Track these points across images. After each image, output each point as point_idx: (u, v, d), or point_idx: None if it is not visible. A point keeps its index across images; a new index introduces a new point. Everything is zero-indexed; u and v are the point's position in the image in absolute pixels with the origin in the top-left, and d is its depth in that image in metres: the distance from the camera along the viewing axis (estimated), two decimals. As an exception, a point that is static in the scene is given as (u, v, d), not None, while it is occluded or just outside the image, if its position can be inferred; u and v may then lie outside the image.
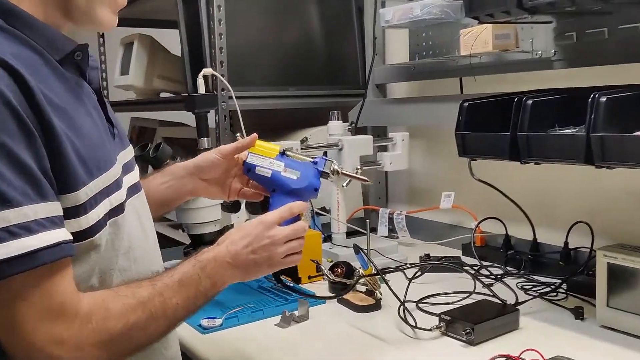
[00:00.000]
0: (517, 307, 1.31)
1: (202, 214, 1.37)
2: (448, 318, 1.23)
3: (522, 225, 1.69)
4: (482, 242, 1.81)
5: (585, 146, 1.13)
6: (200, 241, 1.40)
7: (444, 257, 1.75)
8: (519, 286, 1.51)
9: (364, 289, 1.45)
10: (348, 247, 1.75)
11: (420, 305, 1.40)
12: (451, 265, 1.64)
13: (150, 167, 1.47)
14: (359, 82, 2.25)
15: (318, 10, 2.19)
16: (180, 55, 1.94)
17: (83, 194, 0.81)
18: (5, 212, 0.72)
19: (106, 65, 2.78)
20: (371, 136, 1.92)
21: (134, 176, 1.02)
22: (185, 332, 1.27)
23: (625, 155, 1.09)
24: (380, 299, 1.42)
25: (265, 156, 1.12)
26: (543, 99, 1.27)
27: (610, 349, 1.17)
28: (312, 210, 1.88)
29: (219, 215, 1.39)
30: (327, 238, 1.87)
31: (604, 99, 1.12)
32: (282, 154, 1.13)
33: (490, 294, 1.38)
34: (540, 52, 1.58)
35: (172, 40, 2.21)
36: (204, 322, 1.31)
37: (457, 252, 1.86)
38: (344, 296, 1.44)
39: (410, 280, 1.50)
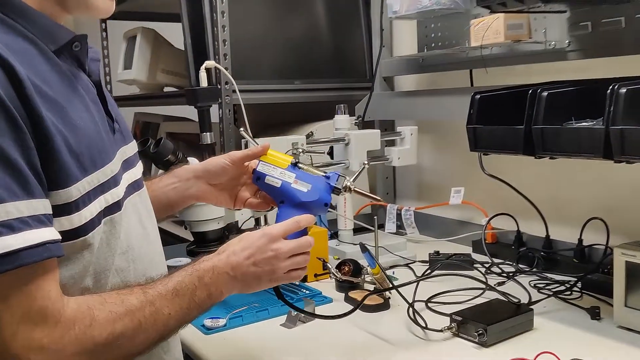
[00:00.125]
0: (531, 307, 1.27)
1: (205, 211, 1.34)
2: (459, 318, 1.20)
3: (534, 221, 1.65)
4: (493, 239, 1.78)
5: (604, 140, 1.09)
6: (203, 239, 1.37)
7: (454, 254, 1.71)
8: (532, 284, 1.47)
9: (371, 287, 1.42)
10: (355, 244, 1.72)
11: (429, 304, 1.37)
12: (461, 263, 1.61)
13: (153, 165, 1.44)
14: (366, 74, 2.21)
15: (323, 0, 2.15)
16: (183, 49, 1.91)
17: (75, 191, 0.77)
18: None
19: (109, 59, 2.75)
20: (379, 130, 1.87)
21: (135, 173, 0.98)
22: (188, 332, 1.24)
23: (647, 149, 1.05)
24: (389, 298, 1.39)
25: (277, 166, 1.09)
26: (559, 91, 1.23)
27: (629, 351, 1.13)
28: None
29: (223, 212, 1.37)
30: (334, 235, 1.84)
31: (623, 90, 1.07)
32: (294, 165, 1.10)
33: (502, 292, 1.35)
34: (553, 42, 1.54)
35: (175, 33, 2.18)
36: (208, 323, 1.28)
37: (468, 249, 1.82)
38: (351, 295, 1.41)
39: (419, 279, 1.47)
